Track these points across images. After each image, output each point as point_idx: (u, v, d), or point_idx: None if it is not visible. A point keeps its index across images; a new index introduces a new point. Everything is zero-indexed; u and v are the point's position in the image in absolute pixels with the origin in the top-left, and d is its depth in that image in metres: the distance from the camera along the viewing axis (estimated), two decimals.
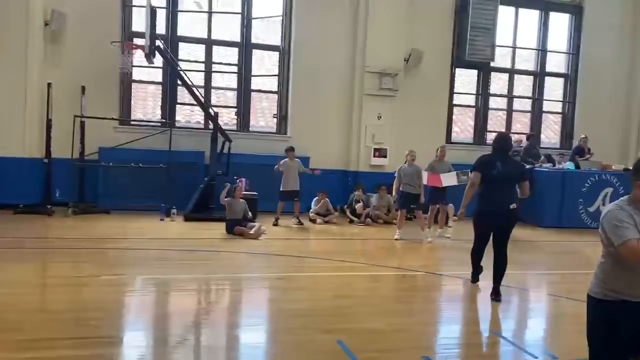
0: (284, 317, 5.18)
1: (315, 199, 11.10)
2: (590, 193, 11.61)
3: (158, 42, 10.29)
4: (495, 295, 5.96)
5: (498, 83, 13.96)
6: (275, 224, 10.23)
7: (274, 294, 6.12)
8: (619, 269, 2.73)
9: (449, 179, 9.52)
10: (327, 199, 11.07)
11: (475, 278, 6.52)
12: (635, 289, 2.72)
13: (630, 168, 9.12)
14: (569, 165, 12.09)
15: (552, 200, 11.43)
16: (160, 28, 11.12)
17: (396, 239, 9.30)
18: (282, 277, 6.70)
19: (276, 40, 12.66)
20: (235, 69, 12.40)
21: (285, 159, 10.46)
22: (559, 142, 14.29)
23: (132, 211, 10.49)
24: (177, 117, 12.13)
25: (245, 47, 12.24)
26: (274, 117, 12.59)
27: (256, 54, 12.70)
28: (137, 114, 12.24)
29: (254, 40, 12.43)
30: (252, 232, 8.97)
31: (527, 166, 12.06)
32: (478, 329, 5.41)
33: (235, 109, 12.39)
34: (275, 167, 10.38)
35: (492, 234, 6.03)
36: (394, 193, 9.99)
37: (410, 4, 12.18)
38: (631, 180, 2.79)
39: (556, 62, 14.10)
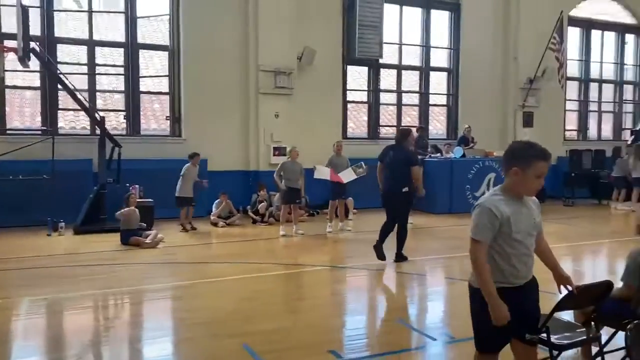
0: (187, 326, 5.02)
1: (216, 201, 10.88)
2: (476, 179, 12.47)
3: (33, 44, 9.52)
4: (396, 258, 7.38)
5: (387, 79, 14.51)
6: (185, 230, 9.98)
7: (176, 304, 5.92)
8: (495, 259, 2.78)
9: (348, 175, 9.86)
10: (229, 200, 10.90)
11: (379, 254, 7.34)
12: (511, 277, 2.78)
13: None
14: (458, 150, 12.86)
15: (442, 188, 12.11)
16: (35, 29, 10.30)
17: (282, 235, 9.45)
18: (183, 285, 6.49)
19: (164, 40, 12.21)
20: (121, 70, 11.79)
21: (188, 164, 10.19)
22: (445, 132, 15.15)
23: (15, 228, 9.66)
24: (60, 124, 11.32)
25: (131, 47, 11.68)
26: (167, 119, 12.15)
27: (144, 54, 12.18)
28: (13, 122, 11.27)
29: (140, 40, 11.90)
30: (148, 241, 8.60)
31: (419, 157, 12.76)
32: (382, 318, 5.59)
33: (124, 112, 11.80)
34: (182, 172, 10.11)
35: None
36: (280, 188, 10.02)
37: (299, 2, 12.29)
38: (503, 168, 2.81)
39: (439, 58, 14.92)
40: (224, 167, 11.76)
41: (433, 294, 6.52)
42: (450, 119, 15.04)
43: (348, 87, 13.68)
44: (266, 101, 12.06)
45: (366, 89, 14.09)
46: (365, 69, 13.95)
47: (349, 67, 13.56)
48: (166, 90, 12.12)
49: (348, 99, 13.72)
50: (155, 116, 12.79)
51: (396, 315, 5.52)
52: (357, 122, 14.58)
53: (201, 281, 6.67)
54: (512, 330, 2.76)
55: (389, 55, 14.01)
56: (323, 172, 9.82)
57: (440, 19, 14.72)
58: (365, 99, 14.14)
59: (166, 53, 12.09)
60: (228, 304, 5.62)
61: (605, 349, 3.43)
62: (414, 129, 13.29)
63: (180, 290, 6.32)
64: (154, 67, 12.95)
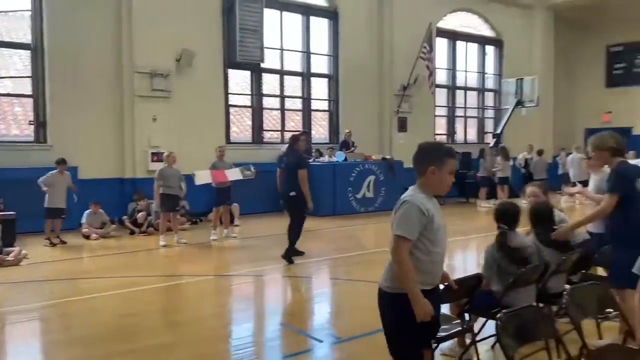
0: (61, 348, 4.59)
1: (86, 212, 10.10)
2: (357, 182, 12.91)
3: None
4: (283, 255, 7.57)
5: (270, 83, 14.53)
6: (52, 244, 9.16)
7: (46, 325, 5.39)
8: (418, 258, 2.66)
9: (233, 174, 9.71)
10: (101, 210, 10.19)
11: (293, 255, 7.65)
12: (429, 278, 2.71)
13: (388, 157, 10.52)
14: (339, 154, 13.21)
15: (326, 191, 12.36)
16: None
17: (162, 246, 9.10)
18: (53, 304, 5.93)
19: (26, 37, 11.17)
20: None
21: (53, 172, 9.33)
22: (327, 137, 15.50)
23: None
24: None
25: None
26: (30, 124, 11.10)
27: (3, 53, 11.05)
28: None
29: None
30: (10, 258, 7.78)
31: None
32: (268, 324, 5.53)
33: None
34: (40, 180, 9.18)
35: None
36: (155, 197, 9.57)
37: (176, 1, 11.88)
38: (418, 170, 2.77)
39: (320, 64, 15.24)
40: (97, 175, 10.99)
41: (319, 296, 6.59)
42: (332, 123, 15.41)
43: (230, 91, 13.47)
44: (142, 104, 11.49)
45: (249, 93, 13.98)
46: (248, 73, 13.84)
47: (230, 70, 13.35)
48: (29, 92, 11.07)
49: (230, 102, 13.51)
50: (16, 121, 11.63)
51: (283, 319, 5.50)
52: (241, 127, 14.42)
53: (73, 299, 6.13)
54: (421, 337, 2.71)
55: (271, 60, 14.04)
56: (203, 177, 9.54)
57: (320, 26, 15.05)
58: (248, 103, 14.03)
59: (28, 52, 11.05)
60: (106, 322, 5.23)
61: (477, 338, 3.68)
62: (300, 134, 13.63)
63: (49, 310, 5.77)
64: (14, 67, 11.78)
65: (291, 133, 14.03)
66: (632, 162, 4.56)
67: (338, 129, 15.17)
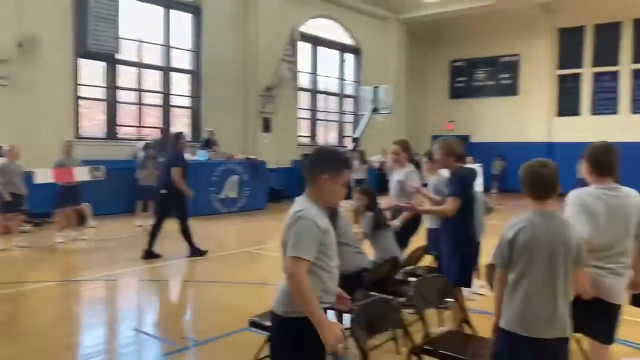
0: None
1: None
2: (219, 181, 12.73)
3: None
4: (189, 254, 7.87)
5: (127, 76, 13.75)
6: None
7: None
8: (319, 276, 2.38)
9: (81, 174, 9.04)
10: None
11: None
12: (327, 296, 2.43)
13: (252, 157, 10.60)
14: (202, 153, 12.92)
15: None
16: None
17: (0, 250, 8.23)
18: None
19: None
20: None
21: None
22: (189, 135, 15.06)
23: None
24: None
25: None
26: None
27: None
28: None
29: None
30: None
31: (161, 159, 12.41)
32: (122, 330, 5.23)
33: None
34: None
35: None
36: None
37: None
38: (309, 175, 2.49)
39: (182, 59, 14.78)
40: None
41: (176, 298, 6.39)
42: (194, 121, 15.02)
43: (81, 82, 12.50)
44: None
45: (103, 85, 13.09)
46: (102, 64, 12.96)
47: (82, 60, 12.39)
48: None
49: (81, 94, 12.53)
50: None
51: (138, 325, 5.23)
52: (93, 121, 13.44)
53: None
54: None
55: (128, 52, 13.29)
56: (44, 175, 8.75)
57: (182, 20, 14.60)
58: (101, 96, 13.13)
59: None
60: None
61: None
62: (148, 130, 13.05)
63: None
64: None
65: (149, 129, 13.59)
66: (470, 166, 5.03)
67: (200, 127, 14.84)
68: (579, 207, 3.05)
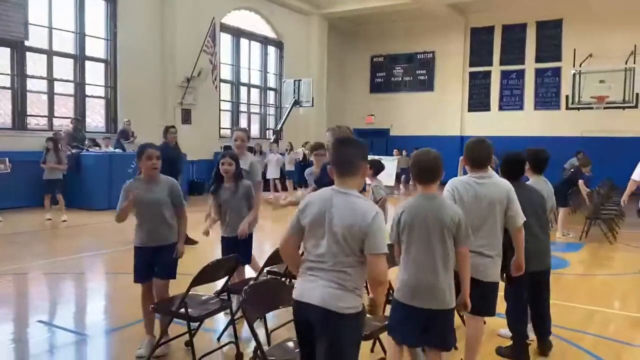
0: None
1: None
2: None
3: None
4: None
5: (38, 64, 13.14)
6: None
7: None
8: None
9: None
10: None
11: None
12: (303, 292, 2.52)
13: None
14: (117, 145, 12.64)
15: (100, 183, 11.71)
16: None
17: None
18: None
19: None
20: None
21: None
22: (104, 126, 14.65)
23: None
24: None
25: None
26: None
27: None
28: None
29: None
30: None
31: (73, 150, 12.06)
32: (28, 324, 5.15)
33: None
34: None
35: None
36: None
37: None
38: (356, 166, 2.54)
39: (96, 47, 14.30)
40: None
41: (89, 291, 6.33)
42: (110, 112, 14.61)
43: None
44: None
45: (9, 73, 12.45)
46: (8, 50, 12.32)
47: None
48: None
49: None
50: None
51: (44, 316, 5.17)
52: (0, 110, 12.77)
53: None
54: None
55: (38, 38, 12.71)
56: None
57: (97, 7, 14.12)
58: (8, 84, 12.49)
59: None
60: None
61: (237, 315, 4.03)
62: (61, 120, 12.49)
63: None
64: None
65: (62, 120, 13.05)
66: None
67: (116, 117, 14.46)
68: (449, 193, 3.44)
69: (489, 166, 3.58)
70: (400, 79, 22.81)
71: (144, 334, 4.02)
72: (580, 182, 9.84)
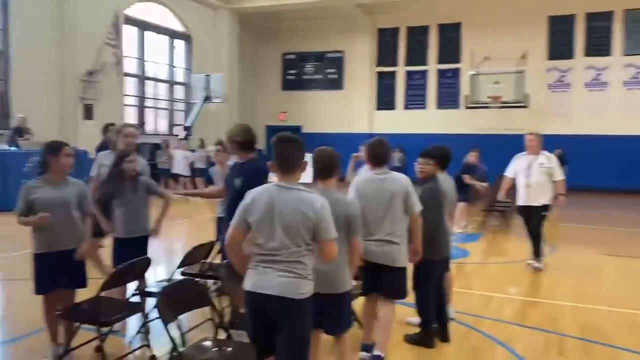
0: None
1: None
2: (32, 173, 11.63)
3: None
4: None
5: None
6: None
7: None
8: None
9: None
10: None
11: None
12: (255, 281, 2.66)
13: (72, 146, 9.86)
14: (10, 141, 11.78)
15: None
16: None
17: None
18: None
19: None
20: None
21: None
22: None
23: None
24: None
25: None
26: None
27: None
28: None
29: None
30: None
31: None
32: None
33: None
34: None
35: None
36: None
37: None
38: (299, 165, 2.76)
39: None
40: None
41: None
42: (2, 107, 13.54)
43: None
44: None
45: None
46: None
47: None
48: None
49: None
50: None
51: None
52: None
53: None
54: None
55: None
56: None
57: None
58: None
59: None
60: None
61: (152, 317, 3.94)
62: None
63: None
64: None
65: None
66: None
67: (9, 113, 13.44)
68: (353, 188, 3.75)
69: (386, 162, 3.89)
70: (312, 77, 23.08)
71: (47, 343, 3.81)
72: (466, 176, 10.22)
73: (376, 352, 3.73)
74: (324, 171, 3.14)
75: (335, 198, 3.04)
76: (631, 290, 6.18)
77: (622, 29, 18.52)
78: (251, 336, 2.70)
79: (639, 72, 18.37)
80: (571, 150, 15.88)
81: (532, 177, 6.78)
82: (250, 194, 2.67)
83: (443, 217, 4.19)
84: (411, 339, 4.26)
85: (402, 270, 3.79)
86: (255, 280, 2.60)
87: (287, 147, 2.72)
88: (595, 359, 4.14)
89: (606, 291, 6.17)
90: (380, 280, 3.74)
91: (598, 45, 18.84)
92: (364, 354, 3.83)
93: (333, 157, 3.19)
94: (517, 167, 7.01)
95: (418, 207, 3.75)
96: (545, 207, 6.87)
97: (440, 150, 4.45)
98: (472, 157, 10.45)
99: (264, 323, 2.59)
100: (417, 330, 4.30)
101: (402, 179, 3.78)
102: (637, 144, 17.98)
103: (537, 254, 6.91)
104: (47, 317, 3.71)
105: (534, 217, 6.89)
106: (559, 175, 6.81)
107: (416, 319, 4.38)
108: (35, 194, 3.61)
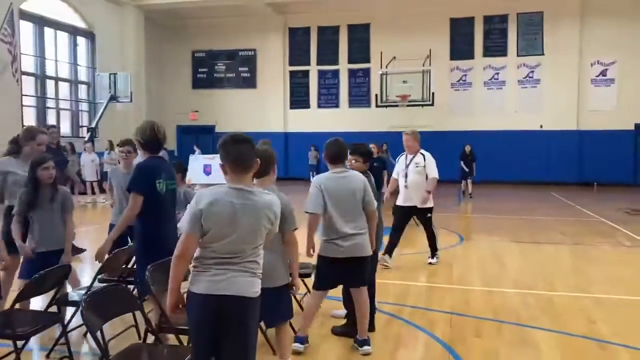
0: None
1: None
2: None
3: None
4: None
5: None
6: None
7: None
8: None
9: None
10: None
11: None
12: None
13: None
14: None
15: None
16: None
17: None
18: None
19: None
20: None
21: None
22: None
23: None
24: None
25: None
26: None
27: None
28: None
29: None
30: None
31: None
32: None
33: None
34: None
35: None
36: None
37: None
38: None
39: None
40: None
41: None
42: None
43: None
44: None
45: None
46: None
47: None
48: None
49: None
50: None
51: None
52: None
53: None
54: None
55: None
56: None
57: None
58: None
59: None
60: None
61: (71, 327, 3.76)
62: None
63: None
64: None
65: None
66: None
67: None
68: (316, 189, 3.92)
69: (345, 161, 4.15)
70: (223, 75, 22.79)
71: None
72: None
73: (362, 337, 4.01)
74: (261, 170, 3.14)
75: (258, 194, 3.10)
76: (536, 274, 6.70)
77: (516, 31, 19.98)
78: (195, 341, 2.61)
79: (531, 72, 19.91)
80: (475, 145, 16.86)
81: (409, 177, 6.76)
82: (204, 198, 2.49)
83: (380, 211, 4.37)
84: (338, 331, 4.38)
85: (370, 258, 4.10)
86: (210, 283, 2.48)
87: (242, 147, 2.58)
88: (508, 338, 4.46)
89: (513, 275, 6.65)
90: (348, 273, 3.98)
91: (495, 47, 20.19)
92: (297, 345, 3.92)
93: (270, 155, 3.34)
94: (398, 168, 7.00)
95: (374, 203, 4.04)
96: (429, 209, 6.86)
97: (365, 148, 4.62)
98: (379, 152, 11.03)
99: (214, 326, 2.49)
100: (343, 322, 4.42)
101: (359, 176, 4.06)
102: (530, 138, 19.50)
103: (432, 251, 7.07)
104: None
105: (420, 219, 7.10)
106: (432, 172, 6.70)
107: (341, 311, 4.51)
108: None
